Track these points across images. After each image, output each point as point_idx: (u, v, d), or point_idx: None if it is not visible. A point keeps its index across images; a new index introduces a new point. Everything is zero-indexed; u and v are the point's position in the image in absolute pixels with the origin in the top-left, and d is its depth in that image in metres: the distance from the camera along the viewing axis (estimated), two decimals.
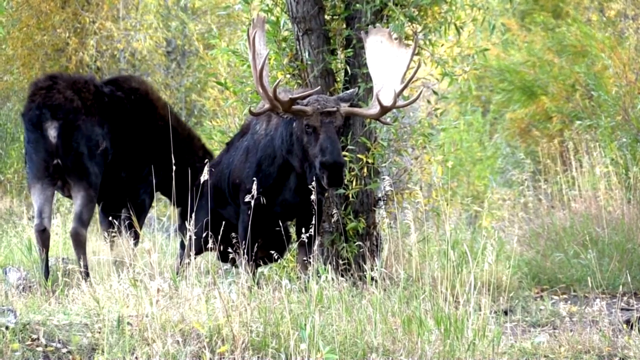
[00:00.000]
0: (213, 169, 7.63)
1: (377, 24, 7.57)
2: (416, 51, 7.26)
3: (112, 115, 8.24)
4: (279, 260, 7.88)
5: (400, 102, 7.06)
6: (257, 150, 7.38)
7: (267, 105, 6.96)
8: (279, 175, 7.28)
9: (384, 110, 6.99)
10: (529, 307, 8.01)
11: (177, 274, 7.23)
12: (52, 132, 8.03)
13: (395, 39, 7.21)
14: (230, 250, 7.47)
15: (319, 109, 6.91)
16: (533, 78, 14.90)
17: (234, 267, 7.86)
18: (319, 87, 7.18)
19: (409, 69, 7.09)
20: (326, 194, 7.81)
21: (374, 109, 7.07)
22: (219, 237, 7.47)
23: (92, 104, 8.16)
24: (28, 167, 8.02)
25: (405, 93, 8.31)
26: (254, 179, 6.92)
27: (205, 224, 7.66)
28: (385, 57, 7.18)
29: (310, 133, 6.93)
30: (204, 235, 7.57)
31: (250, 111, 7.05)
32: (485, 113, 18.97)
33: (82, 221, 7.95)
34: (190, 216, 7.67)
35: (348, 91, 7.26)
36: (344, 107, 7.04)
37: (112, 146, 8.19)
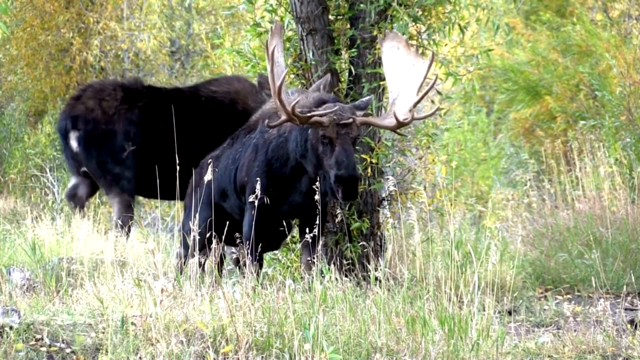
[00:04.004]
0: (214, 162, 7.64)
1: (394, 30, 7.58)
2: (433, 64, 7.26)
3: (153, 117, 8.36)
4: (276, 250, 7.90)
5: (416, 116, 7.08)
6: (267, 150, 7.36)
7: (284, 117, 6.95)
8: (290, 177, 7.27)
9: (401, 124, 7.00)
10: (533, 307, 8.01)
11: (180, 272, 7.24)
12: (73, 143, 8.31)
13: (412, 47, 7.21)
14: (234, 250, 7.47)
15: (335, 120, 6.90)
16: (537, 78, 14.87)
17: (237, 268, 7.85)
18: (337, 107, 7.12)
19: (425, 80, 7.10)
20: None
21: (389, 120, 7.06)
22: (217, 230, 7.45)
23: (117, 111, 8.31)
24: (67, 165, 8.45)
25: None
26: (262, 178, 6.92)
27: (206, 218, 7.62)
28: (401, 65, 7.18)
29: (326, 144, 6.92)
30: (205, 231, 7.56)
31: (267, 125, 7.06)
32: (489, 113, 18.96)
33: (122, 227, 8.16)
34: (191, 210, 7.69)
35: (364, 99, 7.25)
36: (360, 118, 7.03)
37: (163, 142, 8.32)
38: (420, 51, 8.02)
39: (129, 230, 8.36)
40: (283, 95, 6.89)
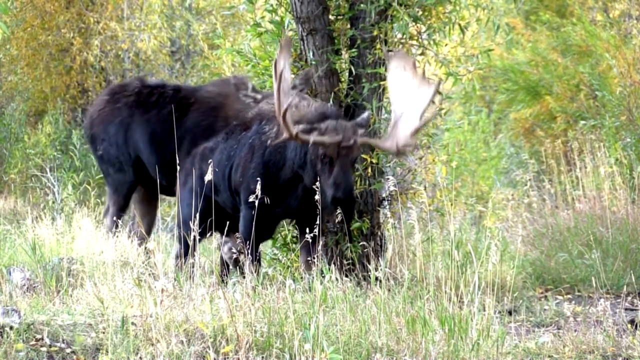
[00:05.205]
0: (207, 154, 7.64)
1: (401, 48, 7.59)
2: (437, 91, 7.28)
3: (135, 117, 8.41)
4: (270, 239, 7.93)
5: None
6: (264, 152, 7.35)
7: (286, 136, 6.96)
8: (287, 181, 7.26)
9: (400, 151, 7.02)
10: (533, 307, 8.01)
11: (179, 271, 7.23)
12: None
13: (419, 70, 7.21)
14: (234, 250, 7.45)
15: (337, 141, 6.89)
16: (537, 78, 14.87)
17: (237, 268, 7.85)
18: (340, 127, 7.10)
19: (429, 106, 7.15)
20: None
21: (390, 143, 7.06)
22: (211, 223, 7.43)
23: (99, 115, 8.48)
24: None
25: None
26: (259, 179, 6.92)
27: (201, 211, 7.59)
28: (406, 87, 7.17)
29: (326, 163, 6.92)
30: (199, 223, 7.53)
31: (270, 144, 7.06)
32: (490, 113, 18.95)
33: (105, 212, 8.53)
34: (184, 201, 7.68)
35: (364, 115, 7.26)
36: (361, 138, 7.04)
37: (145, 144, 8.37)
38: (424, 57, 8.03)
39: (111, 226, 8.44)
40: (288, 117, 6.88)
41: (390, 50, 7.92)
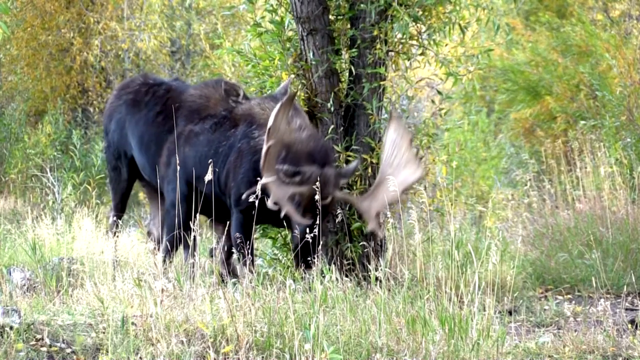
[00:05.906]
0: (192, 138, 7.64)
1: (402, 114, 7.62)
2: (423, 175, 7.39)
3: (133, 112, 8.37)
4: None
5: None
6: (251, 158, 7.34)
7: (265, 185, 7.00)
8: None
9: (374, 216, 7.09)
10: (533, 307, 8.01)
11: (164, 262, 7.24)
12: None
13: (413, 145, 7.22)
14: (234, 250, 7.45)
15: (315, 192, 6.85)
16: (537, 78, 14.87)
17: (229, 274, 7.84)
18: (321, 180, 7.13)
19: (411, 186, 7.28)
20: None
21: (367, 204, 7.15)
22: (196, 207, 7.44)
23: (108, 108, 8.57)
24: None
25: (410, 92, 8.33)
26: (247, 185, 6.92)
27: (185, 197, 7.57)
28: (397, 156, 7.19)
29: (300, 208, 6.96)
30: (188, 209, 7.53)
31: (246, 195, 7.05)
32: (490, 113, 18.95)
33: (110, 210, 8.69)
34: (169, 184, 7.67)
35: (351, 165, 7.34)
36: (339, 194, 7.11)
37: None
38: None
39: (112, 226, 8.44)
40: (273, 185, 6.93)
41: (391, 50, 7.93)
